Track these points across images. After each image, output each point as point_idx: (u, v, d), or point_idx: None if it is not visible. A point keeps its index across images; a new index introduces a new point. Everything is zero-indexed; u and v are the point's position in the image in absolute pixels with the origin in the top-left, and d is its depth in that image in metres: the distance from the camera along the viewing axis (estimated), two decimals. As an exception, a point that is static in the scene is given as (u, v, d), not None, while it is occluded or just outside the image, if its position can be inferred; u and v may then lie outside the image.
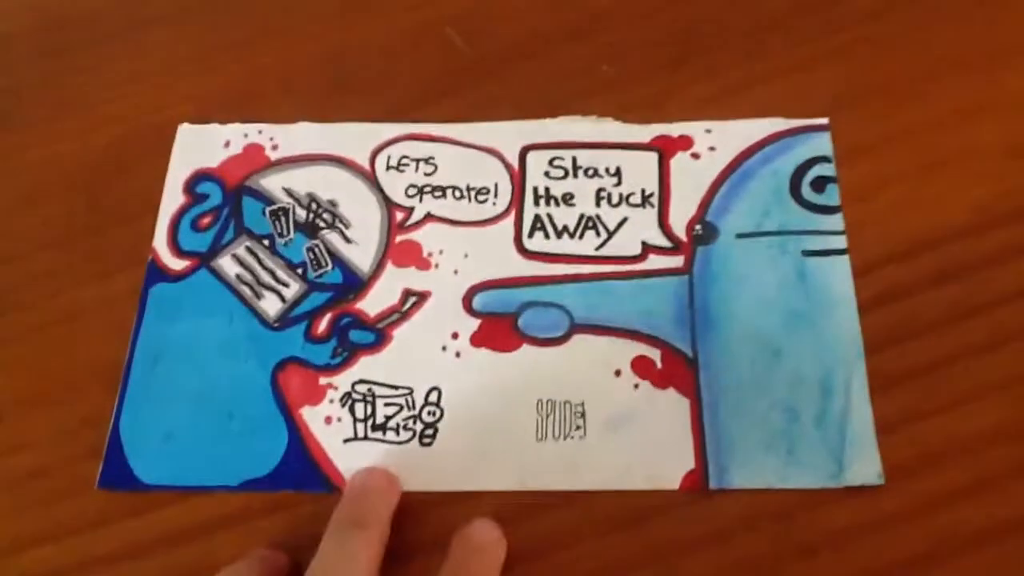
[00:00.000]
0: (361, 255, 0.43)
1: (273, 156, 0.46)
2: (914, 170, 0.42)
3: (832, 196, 0.42)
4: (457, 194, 0.44)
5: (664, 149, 0.44)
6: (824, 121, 0.43)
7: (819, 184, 0.42)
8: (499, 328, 0.41)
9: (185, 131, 0.47)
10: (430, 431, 0.39)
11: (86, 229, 0.45)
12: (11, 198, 0.47)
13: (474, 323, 0.41)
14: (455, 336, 0.41)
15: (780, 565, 0.36)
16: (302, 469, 0.39)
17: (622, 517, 0.37)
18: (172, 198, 0.46)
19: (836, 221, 0.41)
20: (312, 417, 0.40)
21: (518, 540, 0.37)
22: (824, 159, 0.43)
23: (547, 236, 0.43)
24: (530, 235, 0.43)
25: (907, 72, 0.44)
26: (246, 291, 0.43)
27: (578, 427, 0.38)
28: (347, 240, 0.44)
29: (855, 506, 0.37)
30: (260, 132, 0.47)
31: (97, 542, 0.39)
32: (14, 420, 0.42)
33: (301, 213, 0.44)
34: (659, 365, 0.39)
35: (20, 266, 0.45)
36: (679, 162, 0.44)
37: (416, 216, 0.44)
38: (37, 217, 0.46)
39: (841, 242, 0.41)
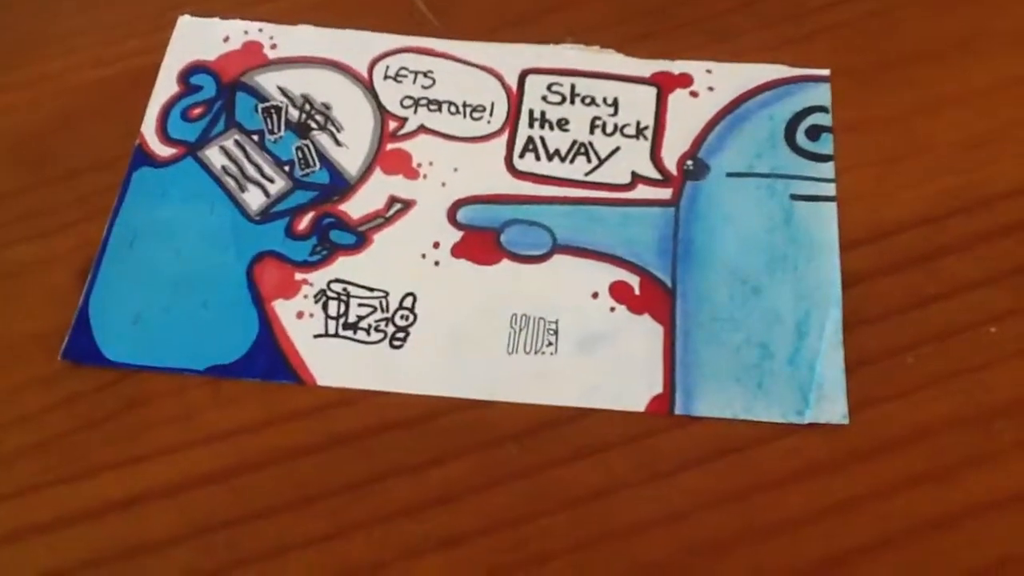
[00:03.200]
0: (350, 158, 0.43)
1: (271, 55, 0.46)
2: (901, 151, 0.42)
3: (826, 145, 0.42)
4: (452, 109, 0.44)
5: (663, 85, 0.44)
6: (825, 72, 0.44)
7: (814, 132, 0.42)
8: (481, 241, 0.41)
9: (185, 23, 0.47)
10: (401, 335, 0.39)
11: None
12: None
13: (457, 234, 0.41)
14: (436, 245, 0.41)
15: (741, 496, 0.36)
16: (270, 359, 0.38)
17: (585, 442, 0.37)
18: (165, 86, 0.45)
19: (827, 169, 0.41)
20: (284, 310, 0.39)
21: (477, 462, 0.36)
22: (822, 109, 0.43)
23: (538, 158, 0.42)
24: (521, 155, 0.43)
25: (906, 51, 0.44)
26: (230, 183, 0.42)
27: (550, 343, 0.38)
28: (337, 143, 0.43)
29: (817, 444, 0.36)
30: (260, 30, 0.46)
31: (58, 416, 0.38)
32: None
33: (294, 113, 0.44)
34: (637, 291, 0.39)
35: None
36: (677, 98, 0.43)
37: (409, 127, 0.43)
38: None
39: (830, 189, 0.41)
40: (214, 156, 0.43)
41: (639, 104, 0.43)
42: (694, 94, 0.44)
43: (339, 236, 0.41)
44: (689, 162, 0.42)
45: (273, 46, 0.46)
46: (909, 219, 0.41)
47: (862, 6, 0.46)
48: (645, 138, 0.43)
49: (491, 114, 0.44)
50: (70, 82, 0.46)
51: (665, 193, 0.41)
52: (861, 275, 0.39)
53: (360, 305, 0.39)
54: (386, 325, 0.39)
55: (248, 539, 0.36)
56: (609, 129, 0.43)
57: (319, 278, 0.40)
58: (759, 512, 0.36)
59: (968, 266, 0.40)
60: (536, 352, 0.38)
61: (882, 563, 0.35)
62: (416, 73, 0.45)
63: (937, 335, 0.38)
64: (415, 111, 0.44)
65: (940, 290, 0.39)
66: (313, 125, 0.44)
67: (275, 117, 0.44)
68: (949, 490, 0.36)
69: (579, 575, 0.35)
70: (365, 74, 0.45)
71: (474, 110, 0.44)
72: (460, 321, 0.39)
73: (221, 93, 0.45)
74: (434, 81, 0.45)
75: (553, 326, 0.39)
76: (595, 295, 0.39)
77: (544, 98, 0.44)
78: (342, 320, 0.39)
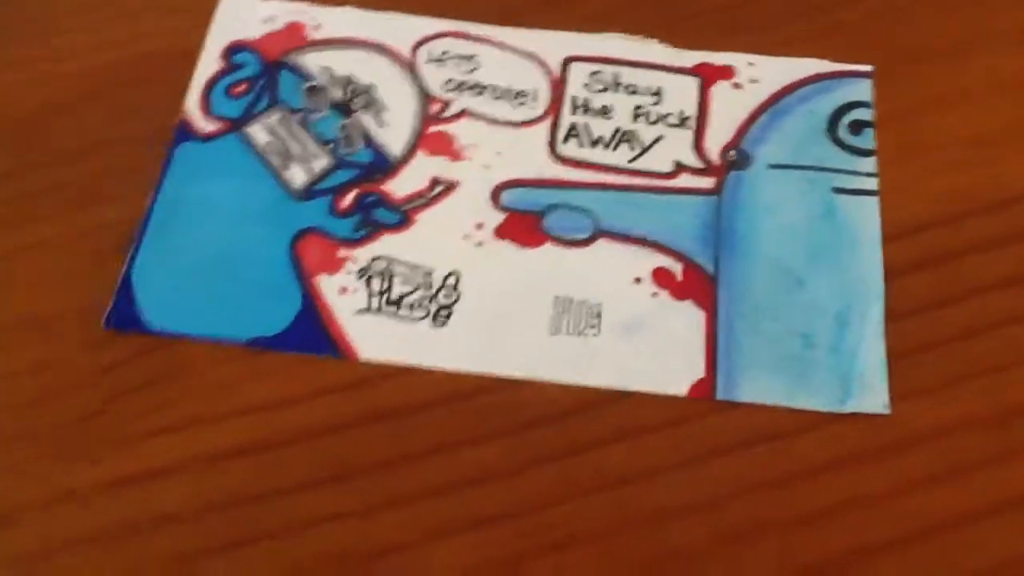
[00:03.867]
0: (393, 138, 0.43)
1: (314, 36, 0.46)
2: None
3: (868, 140, 0.42)
4: (496, 93, 0.44)
5: (706, 76, 0.44)
6: (868, 68, 0.44)
7: (856, 127, 0.42)
8: (524, 224, 0.41)
9: (227, 3, 0.47)
10: (445, 312, 0.39)
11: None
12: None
13: (500, 216, 0.41)
14: (479, 227, 0.41)
15: (778, 483, 0.36)
16: (312, 333, 0.39)
17: (624, 424, 0.37)
18: (208, 63, 0.45)
19: (869, 163, 0.42)
20: (327, 285, 0.40)
21: (514, 443, 0.36)
22: (864, 104, 0.43)
23: (581, 144, 0.43)
24: (564, 141, 0.43)
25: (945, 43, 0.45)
26: (274, 160, 0.42)
27: (592, 326, 0.38)
28: (380, 123, 0.44)
29: (859, 433, 0.37)
30: (303, 12, 0.46)
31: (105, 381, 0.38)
32: (26, 264, 0.41)
33: (337, 92, 0.44)
34: (679, 278, 0.39)
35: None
36: (720, 89, 0.44)
37: (453, 109, 0.44)
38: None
39: (872, 184, 0.41)
40: (258, 133, 0.43)
41: (682, 94, 0.44)
42: (737, 86, 0.44)
43: (382, 214, 0.41)
44: (732, 152, 0.42)
45: (316, 27, 0.46)
46: (949, 214, 0.41)
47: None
48: (688, 128, 0.43)
49: (534, 100, 0.44)
50: (117, 55, 0.46)
51: (708, 182, 0.42)
52: (903, 267, 0.40)
53: (404, 282, 0.40)
54: (429, 303, 0.39)
55: (279, 512, 0.36)
56: (652, 118, 0.43)
57: (363, 254, 0.40)
58: (795, 500, 0.36)
59: (1010, 261, 0.40)
60: (579, 334, 0.38)
61: (918, 555, 0.35)
62: (460, 57, 0.45)
63: (978, 328, 0.38)
64: (458, 94, 0.44)
65: (982, 283, 0.39)
66: (356, 105, 0.44)
67: (319, 96, 0.44)
68: (986, 484, 0.36)
69: (611, 559, 0.35)
70: (408, 57, 0.45)
71: (517, 95, 0.44)
72: (503, 301, 0.39)
73: (264, 71, 0.45)
74: (478, 66, 0.45)
75: (596, 309, 0.39)
76: (637, 280, 0.39)
77: (587, 86, 0.44)
78: (385, 296, 0.39)
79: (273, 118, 0.44)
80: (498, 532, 0.36)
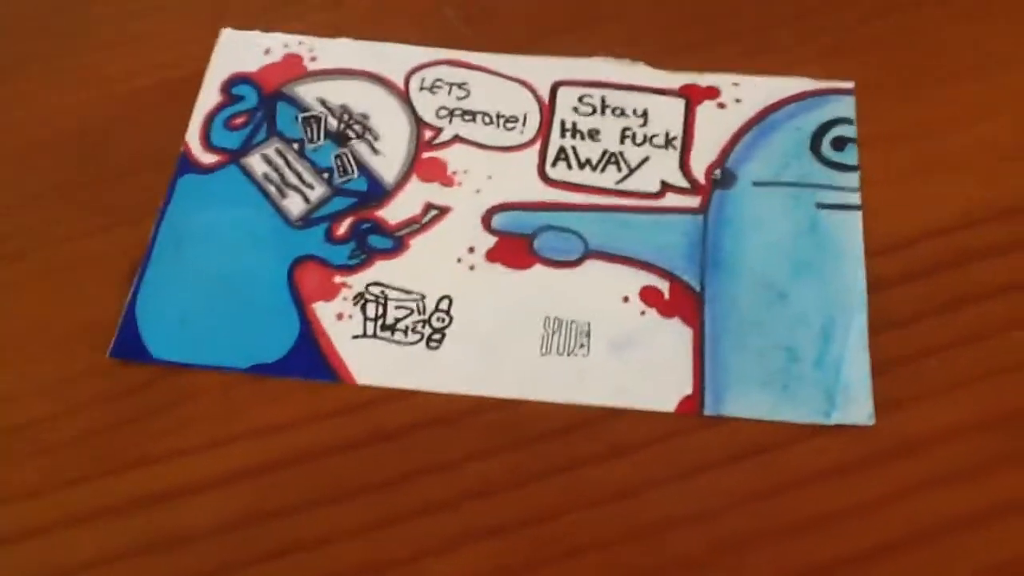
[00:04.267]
0: (387, 166, 0.44)
1: (311, 67, 0.47)
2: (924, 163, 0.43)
3: (851, 156, 0.43)
4: (487, 120, 0.45)
5: (691, 96, 0.45)
6: (850, 85, 0.45)
7: (839, 143, 0.43)
8: (515, 247, 0.42)
9: (227, 36, 0.48)
10: (438, 336, 0.40)
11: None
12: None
13: (491, 240, 0.42)
14: (471, 250, 0.42)
15: (768, 494, 0.37)
16: (311, 359, 0.40)
17: (617, 441, 0.38)
18: (208, 97, 0.47)
19: (852, 179, 0.42)
20: (324, 312, 0.41)
21: (511, 460, 0.38)
22: (847, 120, 0.44)
23: (570, 167, 0.44)
24: (553, 164, 0.44)
25: (931, 64, 0.46)
26: (272, 189, 0.44)
27: (582, 345, 0.39)
28: (375, 151, 0.45)
29: (843, 445, 0.37)
30: (300, 43, 0.48)
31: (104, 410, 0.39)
32: (32, 296, 0.42)
33: (333, 122, 0.45)
34: (667, 296, 0.40)
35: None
36: (705, 110, 0.45)
37: (445, 136, 0.45)
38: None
39: (855, 199, 0.42)
40: (256, 163, 0.45)
41: (668, 115, 0.45)
42: (721, 105, 0.45)
43: (377, 240, 0.42)
44: (717, 171, 0.43)
45: (313, 58, 0.47)
46: (933, 228, 0.42)
47: (889, 20, 0.47)
48: (674, 148, 0.44)
49: (524, 124, 0.45)
50: (119, 88, 0.47)
51: (693, 201, 0.42)
52: (886, 281, 0.40)
53: (398, 307, 0.41)
54: (423, 327, 0.40)
55: (288, 532, 0.37)
56: (639, 139, 0.44)
57: (358, 281, 0.41)
58: (786, 511, 0.37)
59: (991, 274, 0.40)
60: (569, 353, 0.39)
61: (906, 563, 0.36)
62: (451, 85, 0.46)
63: (961, 339, 0.39)
64: (450, 121, 0.45)
65: (964, 295, 0.40)
66: (351, 134, 0.45)
67: (315, 126, 0.45)
68: (971, 492, 0.37)
69: (609, 571, 0.36)
70: (402, 85, 0.46)
71: (507, 120, 0.45)
72: (495, 323, 0.40)
73: (262, 103, 0.46)
74: (468, 92, 0.46)
75: (586, 328, 0.40)
76: (626, 299, 0.40)
77: (575, 109, 0.45)
78: (380, 321, 0.40)
79: (271, 149, 0.45)
80: (505, 543, 0.36)
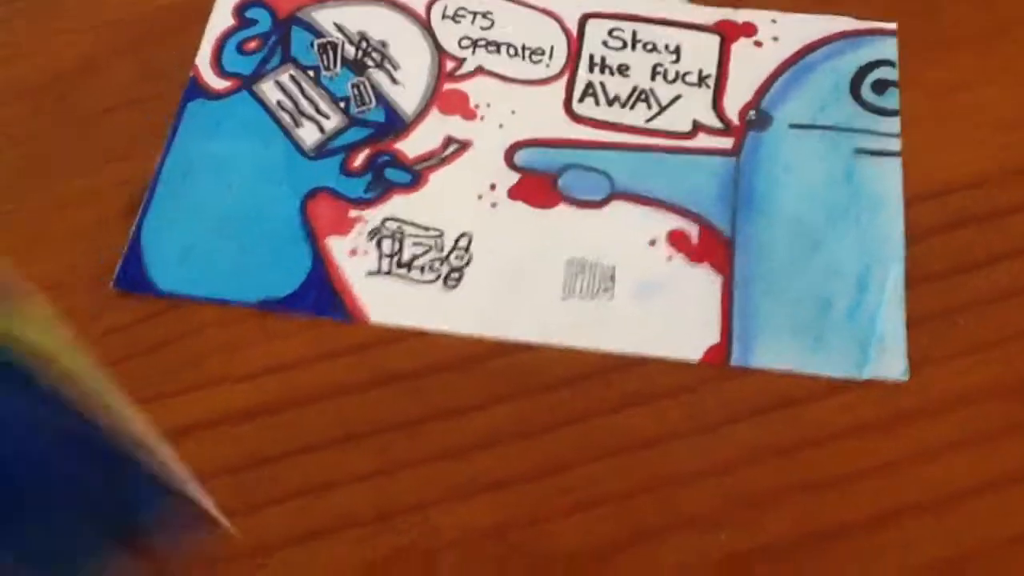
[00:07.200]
0: (407, 97, 0.42)
1: (328, -9, 0.45)
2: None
3: (891, 100, 0.41)
4: (511, 51, 0.43)
5: (727, 33, 0.43)
6: (892, 26, 0.43)
7: (880, 86, 0.41)
8: (538, 184, 0.40)
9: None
10: (456, 274, 0.38)
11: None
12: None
13: (514, 177, 0.40)
14: (492, 187, 0.40)
15: (790, 451, 0.35)
16: (322, 295, 0.38)
17: (638, 390, 0.37)
18: (220, 20, 0.45)
19: (892, 124, 0.41)
20: (338, 247, 0.39)
21: (525, 407, 0.36)
22: (888, 63, 0.42)
23: (597, 103, 0.42)
24: (580, 100, 0.42)
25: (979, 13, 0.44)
26: (285, 118, 0.42)
27: (606, 289, 0.38)
28: (394, 81, 0.43)
29: (876, 400, 0.36)
30: None
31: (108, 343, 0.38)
32: (33, 230, 0.41)
33: (350, 50, 0.44)
34: (695, 241, 0.39)
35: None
36: (741, 47, 0.43)
37: (467, 67, 0.43)
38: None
39: (895, 144, 0.40)
40: (269, 90, 0.43)
41: (702, 52, 0.43)
42: (758, 44, 0.43)
43: (394, 174, 0.41)
44: (752, 112, 0.41)
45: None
46: (971, 179, 0.40)
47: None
48: (707, 86, 0.42)
49: (550, 57, 0.43)
50: (125, 12, 0.45)
51: (726, 143, 0.41)
52: (925, 231, 0.39)
53: (415, 244, 0.39)
54: (440, 265, 0.39)
55: (291, 474, 0.36)
56: (671, 76, 0.42)
57: (374, 215, 0.40)
58: (807, 468, 0.35)
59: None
60: (592, 297, 0.38)
61: (925, 524, 0.34)
62: (475, 14, 0.44)
63: (1001, 294, 0.37)
64: (473, 52, 0.43)
65: (1007, 249, 0.38)
66: (370, 63, 0.43)
67: (331, 53, 0.44)
68: (997, 456, 0.35)
69: (623, 523, 0.35)
70: (423, 13, 0.44)
71: (533, 53, 0.43)
72: (516, 263, 0.39)
73: (276, 28, 0.44)
74: (493, 22, 0.44)
75: (610, 272, 0.38)
76: (652, 243, 0.39)
77: (605, 43, 0.43)
78: (396, 258, 0.39)
79: (285, 75, 0.43)
80: (515, 494, 0.35)
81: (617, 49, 0.43)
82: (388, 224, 0.39)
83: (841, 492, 0.35)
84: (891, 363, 0.36)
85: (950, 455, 0.35)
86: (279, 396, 0.37)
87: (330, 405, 0.37)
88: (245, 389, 0.37)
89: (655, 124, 0.41)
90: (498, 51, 0.43)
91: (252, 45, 0.44)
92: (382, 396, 0.37)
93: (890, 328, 0.37)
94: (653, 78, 0.42)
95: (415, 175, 0.40)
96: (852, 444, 0.36)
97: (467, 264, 0.39)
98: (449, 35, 0.44)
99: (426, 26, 0.44)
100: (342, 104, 0.42)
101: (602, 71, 0.43)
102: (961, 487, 0.35)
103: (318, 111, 0.42)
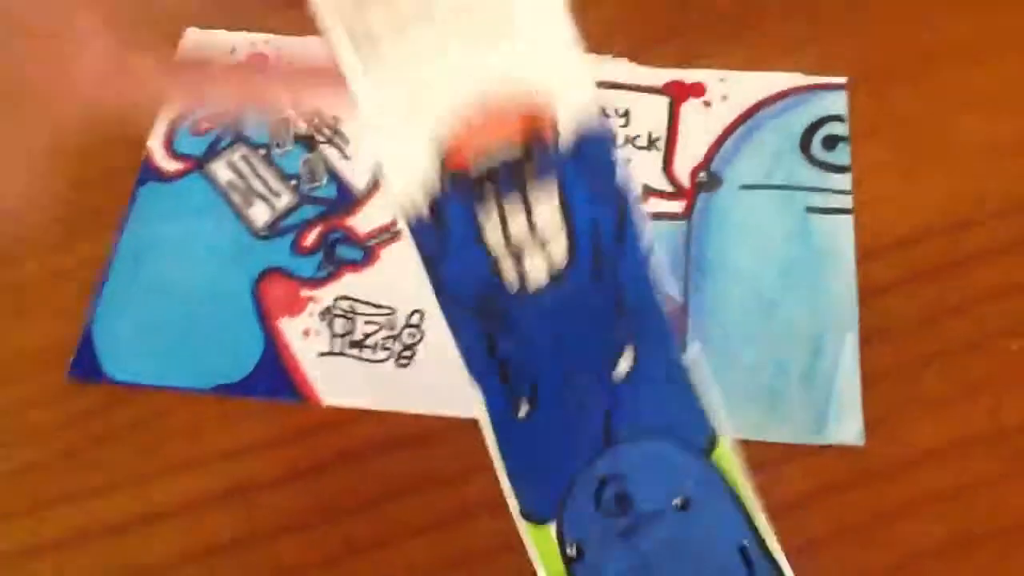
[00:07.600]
0: (357, 172, 0.42)
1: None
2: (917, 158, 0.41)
3: (842, 155, 0.41)
4: (461, 122, 0.43)
5: (676, 94, 0.43)
6: (841, 80, 0.43)
7: (830, 142, 0.41)
8: (489, 258, 0.40)
9: (191, 35, 0.46)
10: (408, 352, 0.38)
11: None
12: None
13: (464, 250, 0.40)
14: (444, 261, 0.40)
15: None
16: (275, 378, 0.38)
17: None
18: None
19: (844, 180, 0.40)
20: (290, 328, 0.39)
21: (485, 482, 0.36)
22: (837, 118, 0.42)
23: (548, 171, 0.41)
24: (531, 168, 0.42)
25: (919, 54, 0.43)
26: (236, 198, 0.42)
27: (559, 362, 0.37)
28: (345, 156, 0.42)
29: (834, 464, 0.35)
30: (267, 42, 0.46)
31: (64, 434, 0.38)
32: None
33: (302, 125, 0.43)
34: (648, 308, 0.38)
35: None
36: (690, 108, 0.43)
37: (417, 140, 0.43)
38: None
39: (847, 201, 0.40)
40: (220, 171, 0.43)
41: (651, 114, 0.43)
42: (707, 103, 0.43)
43: (346, 251, 0.40)
44: (702, 174, 0.41)
45: (279, 58, 0.45)
46: (930, 227, 0.40)
47: (879, 11, 0.44)
48: (657, 149, 0.42)
49: (500, 126, 0.43)
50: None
51: (677, 206, 0.40)
52: (880, 287, 0.38)
53: (367, 322, 0.39)
54: (393, 343, 0.38)
55: (251, 563, 0.36)
56: (620, 141, 0.42)
57: (325, 294, 0.40)
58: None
59: (990, 276, 0.38)
60: (544, 371, 0.37)
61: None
62: (424, 85, 0.44)
63: (956, 349, 0.37)
64: (423, 125, 0.43)
65: (961, 302, 0.38)
66: (320, 138, 0.43)
67: (283, 130, 0.43)
68: (960, 515, 0.35)
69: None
70: (373, 86, 0.44)
71: (483, 122, 0.43)
72: (467, 339, 0.38)
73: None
74: (443, 93, 0.44)
75: (562, 344, 0.38)
76: (605, 312, 0.38)
77: (554, 109, 0.43)
78: (348, 337, 0.39)
79: (236, 155, 0.43)
80: (483, 570, 0.35)
81: (567, 115, 0.43)
82: (340, 303, 0.39)
83: (812, 556, 0.34)
84: (847, 428, 0.36)
85: (913, 513, 0.35)
86: (238, 481, 0.37)
87: (289, 488, 0.37)
88: (205, 475, 0.37)
89: (605, 190, 0.41)
90: (448, 122, 0.43)
91: (206, 126, 0.44)
92: (339, 477, 0.37)
93: (845, 392, 0.36)
94: (603, 143, 0.42)
95: (366, 251, 0.40)
96: (818, 508, 0.35)
97: (419, 341, 0.38)
98: (399, 108, 0.43)
99: (376, 99, 0.44)
100: (293, 182, 0.42)
101: (552, 137, 0.42)
102: (923, 547, 0.34)
103: (269, 189, 0.42)
